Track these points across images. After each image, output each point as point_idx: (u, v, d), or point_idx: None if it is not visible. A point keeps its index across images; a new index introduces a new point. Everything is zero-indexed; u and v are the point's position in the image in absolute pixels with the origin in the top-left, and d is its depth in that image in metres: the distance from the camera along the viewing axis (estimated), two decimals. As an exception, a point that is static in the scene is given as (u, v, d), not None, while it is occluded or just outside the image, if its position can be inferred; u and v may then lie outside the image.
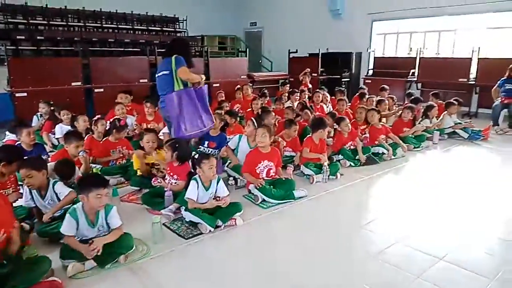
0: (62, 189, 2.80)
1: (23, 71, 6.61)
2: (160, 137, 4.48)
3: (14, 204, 2.96)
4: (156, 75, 3.96)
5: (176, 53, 3.76)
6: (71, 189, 2.82)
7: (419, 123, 5.92)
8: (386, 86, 7.76)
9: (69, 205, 2.69)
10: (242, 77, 9.59)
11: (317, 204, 3.61)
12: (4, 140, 4.81)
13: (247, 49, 11.40)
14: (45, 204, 2.79)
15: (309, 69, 9.18)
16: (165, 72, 3.78)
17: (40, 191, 2.78)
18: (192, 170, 3.18)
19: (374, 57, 10.35)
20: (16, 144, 3.99)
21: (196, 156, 3.17)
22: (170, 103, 3.74)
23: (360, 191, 3.98)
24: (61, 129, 5.08)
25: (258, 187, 3.49)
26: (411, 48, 9.86)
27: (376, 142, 5.04)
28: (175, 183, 3.39)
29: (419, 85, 9.05)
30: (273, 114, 4.92)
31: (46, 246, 2.61)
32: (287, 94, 7.52)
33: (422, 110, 6.29)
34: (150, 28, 11.50)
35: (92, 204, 2.40)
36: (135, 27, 11.23)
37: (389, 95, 7.26)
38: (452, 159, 5.31)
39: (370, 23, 10.30)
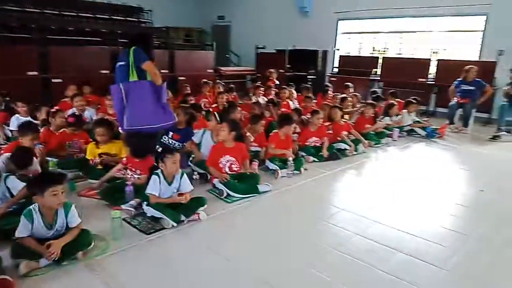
0: (15, 184, 2.65)
1: (-28, 58, 6.19)
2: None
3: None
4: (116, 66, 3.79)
5: (135, 45, 3.58)
6: (24, 183, 2.67)
7: (380, 121, 6.12)
8: (350, 84, 7.96)
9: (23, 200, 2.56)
10: (208, 71, 9.50)
11: (281, 198, 3.65)
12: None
13: (214, 43, 11.29)
14: (-6, 199, 2.63)
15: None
16: (121, 63, 3.59)
17: (-10, 185, 2.62)
18: (155, 164, 3.10)
19: (340, 56, 10.56)
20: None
21: (159, 150, 3.10)
22: (116, 94, 3.47)
23: (323, 186, 4.07)
24: (17, 121, 4.80)
25: (222, 181, 3.47)
26: (374, 48, 10.15)
27: (339, 138, 5.16)
28: (137, 177, 3.30)
29: (382, 84, 9.35)
30: (239, 109, 4.90)
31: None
32: (253, 90, 7.53)
33: (383, 108, 6.50)
34: (113, 17, 11.07)
35: (49, 203, 2.29)
36: (97, 15, 10.79)
37: (354, 93, 7.45)
38: (410, 156, 5.54)
39: (335, 22, 10.49)
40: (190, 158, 4.18)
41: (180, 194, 3.04)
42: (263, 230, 2.96)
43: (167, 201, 2.94)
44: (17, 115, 4.99)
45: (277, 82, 8.70)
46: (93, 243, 2.48)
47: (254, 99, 6.73)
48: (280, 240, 2.81)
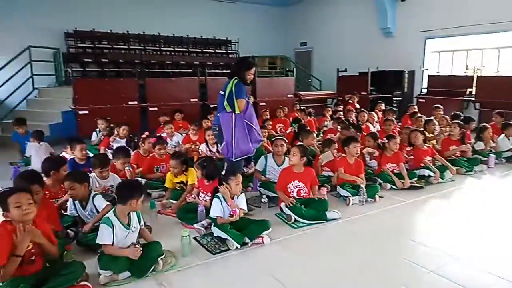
0: (100, 202, 3.02)
1: (86, 91, 7.30)
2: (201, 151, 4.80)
3: (64, 213, 3.26)
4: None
5: (235, 74, 3.82)
6: (108, 203, 3.04)
7: (473, 146, 5.54)
8: (439, 106, 7.39)
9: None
10: (289, 96, 9.69)
11: (350, 227, 3.50)
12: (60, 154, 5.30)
13: (295, 69, 11.53)
14: (85, 214, 3.04)
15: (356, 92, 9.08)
16: (221, 92, 3.87)
17: (82, 202, 3.05)
18: (217, 186, 3.27)
19: (428, 76, 9.91)
20: (69, 158, 4.40)
21: (223, 173, 3.26)
22: (226, 121, 3.72)
23: (400, 216, 3.79)
24: (117, 144, 5.52)
25: (288, 206, 3.49)
26: (467, 66, 9.31)
27: (422, 164, 4.81)
28: (209, 199, 3.51)
29: (477, 104, 8.49)
30: (313, 134, 4.89)
31: (84, 253, 2.81)
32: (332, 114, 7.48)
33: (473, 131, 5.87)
34: (204, 50, 12.11)
35: (134, 209, 2.62)
36: (190, 49, 11.89)
37: (443, 115, 6.87)
38: (508, 186, 4.88)
39: (423, 41, 9.94)
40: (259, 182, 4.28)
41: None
42: (328, 260, 2.87)
43: (227, 221, 3.06)
44: (116, 138, 5.75)
45: (358, 106, 8.49)
46: (163, 254, 2.68)
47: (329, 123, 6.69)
48: (345, 272, 2.69)
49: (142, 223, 2.77)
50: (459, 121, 5.69)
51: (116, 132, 5.87)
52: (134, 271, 2.54)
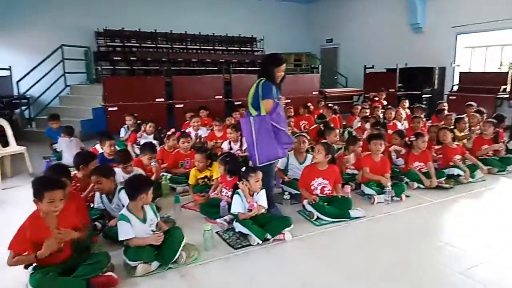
0: (126, 198, 3.04)
1: (116, 88, 7.51)
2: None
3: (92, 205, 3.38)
4: None
5: (262, 73, 3.47)
6: None
7: (506, 145, 5.31)
8: (472, 103, 7.10)
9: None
10: (313, 93, 9.60)
11: (374, 226, 3.44)
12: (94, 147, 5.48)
13: (320, 66, 11.40)
14: (112, 208, 3.14)
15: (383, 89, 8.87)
16: (251, 92, 3.45)
17: (108, 195, 3.15)
18: (236, 183, 3.28)
19: (460, 72, 9.56)
20: (99, 153, 4.55)
21: (243, 169, 3.26)
22: (245, 128, 3.40)
23: (427, 216, 3.68)
24: (144, 139, 5.66)
25: (311, 203, 3.47)
26: (502, 62, 8.90)
27: (451, 164, 4.65)
28: (229, 195, 3.54)
29: (512, 102, 8.12)
30: (336, 131, 4.82)
31: (110, 245, 2.89)
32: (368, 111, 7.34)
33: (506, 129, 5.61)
34: (229, 48, 12.17)
35: (145, 203, 2.68)
36: (216, 47, 11.99)
37: (472, 113, 6.58)
38: (546, 187, 4.65)
39: (454, 37, 9.57)
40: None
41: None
42: (350, 259, 2.83)
43: (248, 216, 3.08)
44: (143, 134, 5.90)
45: (385, 103, 8.30)
46: (184, 240, 2.73)
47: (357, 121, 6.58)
48: (368, 271, 2.64)
49: (158, 216, 2.82)
50: (493, 120, 5.44)
51: (143, 129, 6.01)
52: (160, 259, 2.60)
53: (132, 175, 3.26)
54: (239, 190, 3.16)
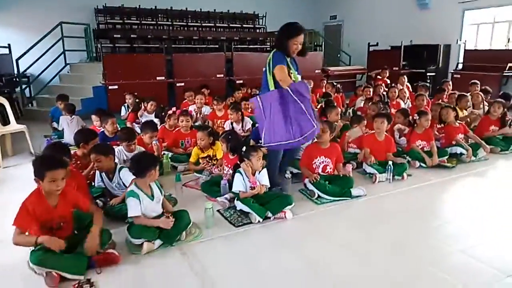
0: (127, 176, 3.02)
1: (116, 67, 7.40)
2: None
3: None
4: None
5: (276, 46, 3.26)
6: (134, 177, 3.10)
7: (510, 123, 5.24)
8: (476, 81, 7.00)
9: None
10: (316, 71, 9.46)
11: (375, 204, 3.44)
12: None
13: (323, 43, 11.20)
14: (112, 186, 3.14)
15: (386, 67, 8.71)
16: (264, 69, 3.26)
17: (108, 174, 3.14)
18: (238, 162, 3.26)
19: (465, 50, 9.37)
20: (100, 131, 4.52)
21: (244, 148, 3.23)
22: (256, 108, 3.17)
23: (428, 195, 3.68)
24: (145, 118, 5.62)
25: (312, 182, 3.46)
26: (509, 39, 8.70)
27: (453, 142, 4.61)
28: (231, 173, 3.53)
29: (518, 80, 7.98)
30: (338, 109, 4.76)
31: (111, 223, 2.88)
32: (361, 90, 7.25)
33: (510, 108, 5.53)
34: (231, 25, 11.95)
35: (153, 178, 2.69)
36: (217, 24, 11.77)
37: (477, 92, 6.46)
38: (549, 166, 4.62)
39: (461, 13, 9.34)
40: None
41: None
42: (351, 237, 2.83)
43: (249, 194, 3.08)
44: (144, 113, 5.85)
45: (388, 82, 8.19)
46: (191, 223, 2.77)
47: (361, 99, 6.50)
48: (368, 250, 2.65)
49: (163, 192, 2.84)
50: (502, 100, 5.36)
51: (143, 107, 5.96)
52: (164, 238, 2.61)
53: (139, 152, 3.23)
54: (240, 169, 3.14)
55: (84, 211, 2.49)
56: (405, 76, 7.75)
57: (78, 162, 3.46)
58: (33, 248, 2.24)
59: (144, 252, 2.53)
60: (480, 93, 6.07)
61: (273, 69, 3.08)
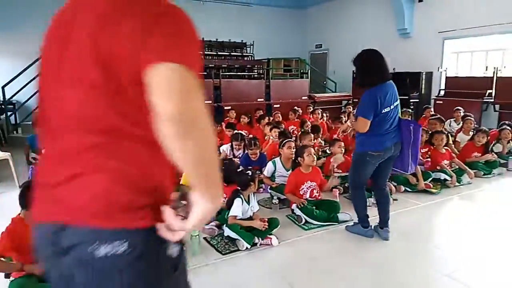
0: None
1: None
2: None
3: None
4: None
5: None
6: None
7: (491, 148, 5.39)
8: (460, 108, 7.21)
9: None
10: (303, 98, 9.63)
11: (362, 229, 3.45)
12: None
13: (309, 71, 11.46)
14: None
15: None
16: (395, 103, 3.18)
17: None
18: (239, 188, 3.25)
19: (446, 77, 9.69)
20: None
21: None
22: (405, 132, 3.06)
23: (413, 219, 3.71)
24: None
25: (300, 207, 3.46)
26: (487, 67, 9.05)
27: (438, 168, 4.69)
28: (223, 201, 3.50)
29: (497, 106, 8.23)
30: (341, 142, 4.75)
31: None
32: (347, 113, 7.38)
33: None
34: (219, 53, 12.16)
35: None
36: (206, 52, 11.95)
37: (468, 117, 6.29)
38: (531, 189, 4.73)
39: (441, 42, 9.72)
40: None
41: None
42: (337, 262, 2.82)
43: (246, 223, 3.06)
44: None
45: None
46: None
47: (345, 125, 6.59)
48: (355, 275, 2.63)
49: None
50: (485, 128, 5.53)
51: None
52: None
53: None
54: (240, 194, 3.15)
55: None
56: None
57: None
58: (12, 279, 2.16)
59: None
60: (472, 119, 6.17)
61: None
